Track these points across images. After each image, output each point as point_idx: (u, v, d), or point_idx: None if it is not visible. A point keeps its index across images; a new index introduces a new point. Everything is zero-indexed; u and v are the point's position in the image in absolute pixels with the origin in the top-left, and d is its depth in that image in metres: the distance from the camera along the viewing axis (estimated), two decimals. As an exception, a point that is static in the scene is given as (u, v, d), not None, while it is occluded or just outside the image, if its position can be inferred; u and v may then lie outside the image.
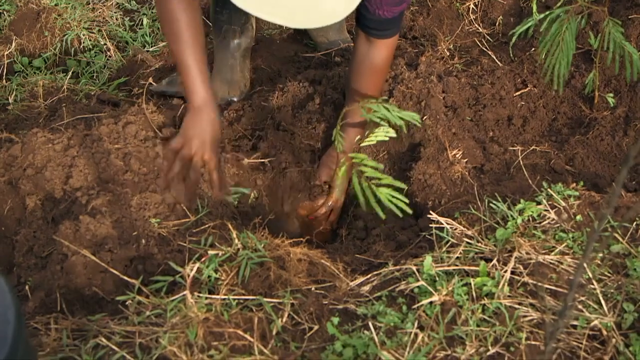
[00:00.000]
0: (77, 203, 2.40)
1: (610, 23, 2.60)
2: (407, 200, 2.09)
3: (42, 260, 2.32)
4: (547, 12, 2.64)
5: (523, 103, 2.91)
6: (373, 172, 2.11)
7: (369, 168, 2.11)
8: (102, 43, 3.80)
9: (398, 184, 2.10)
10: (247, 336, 1.83)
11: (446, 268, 1.99)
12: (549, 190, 2.24)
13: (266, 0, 1.88)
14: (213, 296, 1.95)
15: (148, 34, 3.88)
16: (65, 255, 2.20)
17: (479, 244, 2.08)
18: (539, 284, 1.92)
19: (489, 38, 3.38)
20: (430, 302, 1.89)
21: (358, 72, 2.60)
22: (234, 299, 1.95)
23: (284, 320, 1.90)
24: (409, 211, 2.08)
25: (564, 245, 2.04)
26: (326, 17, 1.96)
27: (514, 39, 2.86)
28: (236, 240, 2.12)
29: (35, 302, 2.14)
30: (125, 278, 2.10)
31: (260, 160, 2.73)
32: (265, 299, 1.95)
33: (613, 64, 2.68)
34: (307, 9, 1.93)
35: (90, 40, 3.81)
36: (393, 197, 2.08)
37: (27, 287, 2.20)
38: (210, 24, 3.36)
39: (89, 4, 4.10)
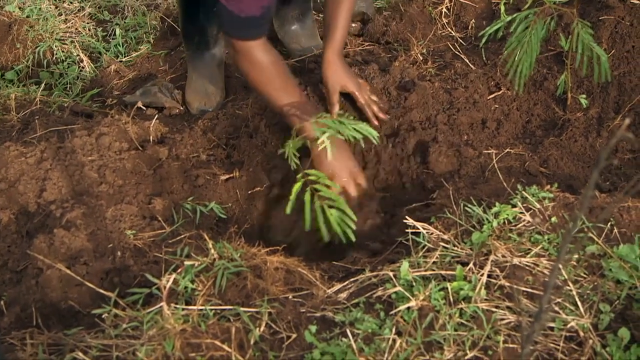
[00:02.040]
0: (52, 216, 2.38)
1: (580, 25, 2.62)
2: (354, 227, 2.13)
3: (17, 275, 2.30)
4: (516, 14, 2.65)
5: (497, 106, 2.92)
6: (328, 192, 2.11)
7: (324, 188, 2.11)
8: (75, 54, 3.78)
9: (349, 211, 2.11)
10: (225, 346, 1.82)
11: (423, 273, 2.00)
12: (523, 192, 2.25)
13: None
14: (190, 307, 1.94)
15: (121, 44, 3.87)
16: (40, 270, 2.19)
17: (455, 248, 2.08)
18: (515, 286, 1.93)
19: (462, 42, 3.39)
20: (408, 308, 1.89)
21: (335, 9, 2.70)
22: (211, 310, 1.94)
23: (262, 329, 1.89)
24: (353, 239, 2.12)
25: (539, 247, 2.05)
26: None
27: (483, 41, 2.88)
28: (212, 250, 2.11)
29: (11, 318, 2.12)
30: (101, 291, 2.08)
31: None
32: (243, 309, 1.94)
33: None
34: None
35: (62, 51, 3.79)
36: (342, 221, 2.11)
37: (2, 302, 2.18)
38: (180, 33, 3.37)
39: (61, 15, 4.08)
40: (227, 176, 2.73)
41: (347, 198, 2.48)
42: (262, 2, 2.34)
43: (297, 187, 2.10)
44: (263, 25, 2.42)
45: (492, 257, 2.00)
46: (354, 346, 1.80)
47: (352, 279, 2.08)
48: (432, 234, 2.16)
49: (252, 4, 2.32)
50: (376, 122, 2.75)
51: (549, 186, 2.28)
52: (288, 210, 2.09)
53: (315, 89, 2.91)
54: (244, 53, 2.44)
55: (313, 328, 1.87)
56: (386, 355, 1.78)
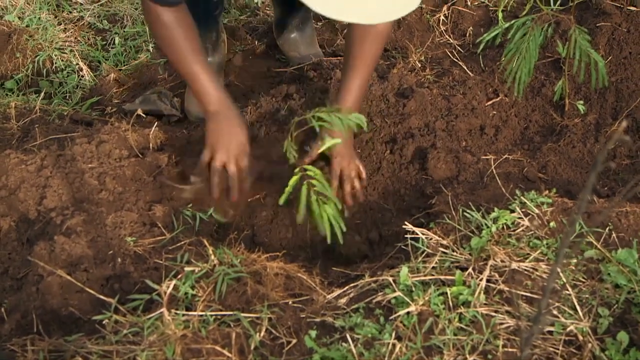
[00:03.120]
0: (52, 223, 2.39)
1: (577, 31, 2.63)
2: (345, 229, 2.17)
3: (18, 282, 2.30)
4: (514, 21, 2.67)
5: (495, 112, 2.93)
6: (322, 188, 2.12)
7: (319, 183, 2.13)
8: (75, 63, 3.78)
9: (340, 208, 2.15)
10: (225, 352, 1.83)
11: (422, 278, 2.00)
12: (522, 198, 2.26)
13: (343, 3, 1.82)
14: (190, 313, 1.94)
15: (120, 53, 3.88)
16: (40, 276, 2.19)
17: (455, 253, 2.09)
18: (514, 291, 1.94)
19: (460, 49, 3.40)
20: (408, 313, 1.90)
21: (362, 39, 2.53)
22: (212, 315, 1.94)
23: (262, 335, 1.90)
24: (341, 241, 2.17)
25: (538, 252, 2.06)
26: (403, 7, 1.92)
27: (481, 47, 2.89)
28: (212, 256, 2.12)
29: (12, 324, 2.13)
30: (102, 297, 2.09)
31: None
32: (243, 314, 1.95)
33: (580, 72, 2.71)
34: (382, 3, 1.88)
35: (62, 60, 3.80)
36: (335, 220, 2.14)
37: (2, 310, 2.18)
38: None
39: (61, 24, 4.09)
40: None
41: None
42: None
43: (294, 179, 2.15)
44: None
45: (491, 262, 2.01)
46: (354, 351, 1.80)
47: (351, 285, 2.08)
48: (431, 239, 2.16)
49: None
50: (347, 188, 2.65)
51: (547, 191, 2.29)
52: (281, 201, 2.16)
53: (314, 97, 2.92)
54: (153, 14, 2.37)
55: (313, 333, 1.88)
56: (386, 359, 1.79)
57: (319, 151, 2.52)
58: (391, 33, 2.71)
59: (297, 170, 2.14)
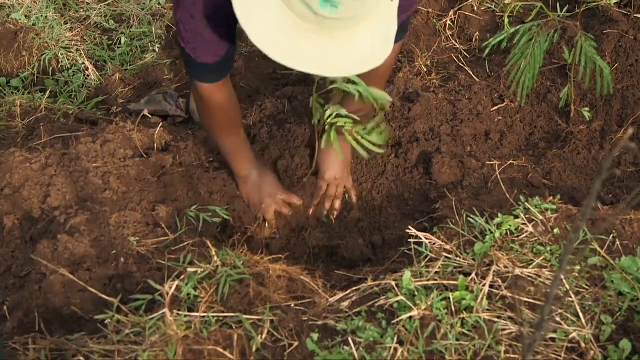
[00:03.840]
0: (56, 222, 2.39)
1: (583, 38, 2.63)
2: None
3: (21, 280, 2.31)
4: (520, 26, 2.66)
5: (500, 118, 2.93)
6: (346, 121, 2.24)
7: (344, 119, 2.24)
8: (80, 62, 3.79)
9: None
10: (227, 353, 1.83)
11: (425, 283, 2.00)
12: (526, 204, 2.26)
13: (301, 55, 1.87)
14: (192, 314, 1.94)
15: (126, 53, 3.88)
16: (43, 275, 2.19)
17: (458, 259, 2.08)
18: (517, 297, 1.93)
19: (466, 54, 3.40)
20: (410, 317, 1.89)
21: (362, 78, 2.56)
22: (214, 317, 1.94)
23: (264, 337, 1.89)
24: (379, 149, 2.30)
25: (541, 258, 2.05)
26: (364, 64, 1.96)
27: (487, 52, 2.89)
28: (215, 258, 2.12)
29: (14, 323, 2.13)
30: (104, 297, 2.09)
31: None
32: (245, 316, 1.94)
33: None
34: (343, 59, 1.92)
35: (68, 59, 3.80)
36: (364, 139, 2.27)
37: (5, 308, 2.19)
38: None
39: (67, 23, 4.10)
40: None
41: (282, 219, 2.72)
42: (218, 52, 2.29)
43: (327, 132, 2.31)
44: (218, 72, 2.40)
45: (494, 268, 2.01)
46: (356, 355, 1.80)
47: (354, 288, 2.08)
48: (434, 244, 2.16)
49: (207, 52, 2.28)
50: (326, 205, 2.74)
51: (551, 198, 2.29)
52: (323, 145, 2.38)
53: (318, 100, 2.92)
54: (200, 93, 2.44)
55: (315, 336, 1.87)
56: (388, 363, 1.78)
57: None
58: (390, 73, 2.72)
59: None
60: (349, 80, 2.23)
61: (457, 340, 1.83)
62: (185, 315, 1.93)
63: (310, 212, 2.71)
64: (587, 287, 1.97)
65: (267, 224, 2.70)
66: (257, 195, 2.70)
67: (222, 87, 2.45)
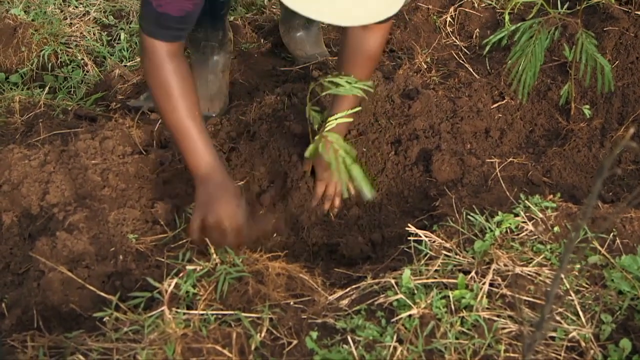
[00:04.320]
0: (54, 219, 2.38)
1: (584, 35, 2.62)
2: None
3: (19, 277, 2.30)
4: (520, 24, 2.66)
5: (500, 115, 2.92)
6: (345, 153, 2.12)
7: (342, 148, 2.12)
8: (80, 58, 3.79)
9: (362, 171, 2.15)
10: (226, 352, 1.82)
11: (425, 281, 1.99)
12: (526, 202, 2.25)
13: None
14: (191, 312, 1.94)
15: (126, 49, 3.87)
16: (42, 272, 2.19)
17: (458, 257, 2.08)
18: (517, 296, 1.93)
19: (466, 51, 3.39)
20: (409, 316, 1.89)
21: (352, 59, 2.52)
22: (212, 314, 1.94)
23: (263, 335, 1.89)
24: (371, 196, 2.12)
25: (541, 256, 2.05)
26: (374, 14, 1.93)
27: (487, 49, 2.89)
28: (214, 255, 2.11)
29: (12, 320, 2.12)
30: (103, 294, 2.08)
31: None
32: (244, 314, 1.94)
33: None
34: (355, 5, 1.89)
35: (67, 55, 3.80)
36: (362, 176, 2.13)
37: (3, 305, 2.18)
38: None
39: (66, 19, 4.10)
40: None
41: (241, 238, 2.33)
42: (185, 6, 2.16)
43: (315, 145, 2.14)
44: (178, 29, 2.23)
45: (494, 266, 2.00)
46: (355, 353, 1.80)
47: (353, 286, 2.07)
48: (434, 242, 2.15)
49: (173, 1, 2.14)
50: (325, 206, 2.68)
51: (551, 196, 2.28)
52: (307, 154, 2.17)
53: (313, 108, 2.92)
54: (151, 52, 2.24)
55: (314, 334, 1.87)
56: (387, 362, 1.78)
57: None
58: (381, 57, 2.70)
59: (317, 137, 2.14)
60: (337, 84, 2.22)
61: (457, 339, 1.82)
62: (184, 313, 1.93)
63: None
64: (587, 286, 1.97)
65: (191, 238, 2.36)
66: (206, 212, 2.28)
67: (177, 51, 2.27)
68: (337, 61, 2.68)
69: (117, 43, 3.94)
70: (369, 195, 2.08)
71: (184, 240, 2.31)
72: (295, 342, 1.87)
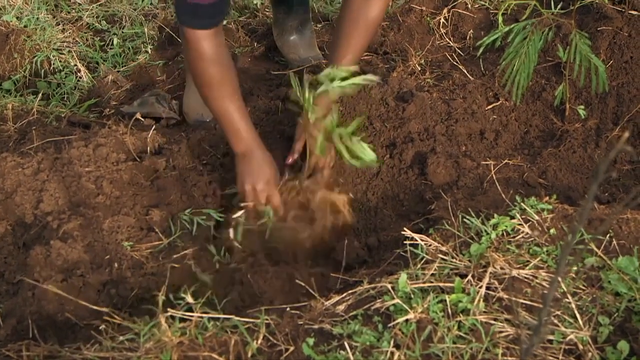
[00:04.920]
0: (48, 228, 2.37)
1: (578, 35, 2.62)
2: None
3: (14, 287, 2.29)
4: (514, 25, 2.65)
5: (495, 117, 2.92)
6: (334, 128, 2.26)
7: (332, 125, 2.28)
8: (73, 64, 3.77)
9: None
10: (222, 359, 1.81)
11: (421, 285, 1.99)
12: (522, 204, 2.24)
13: None
14: (187, 314, 1.93)
15: (119, 54, 3.86)
16: (36, 281, 2.18)
17: (454, 260, 2.07)
18: (514, 299, 1.92)
19: (460, 52, 3.38)
20: (406, 320, 1.88)
21: (352, 28, 2.53)
22: (209, 320, 1.93)
23: (260, 341, 1.88)
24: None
25: (538, 259, 2.04)
26: None
27: (480, 50, 2.88)
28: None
29: (7, 330, 2.11)
30: (96, 308, 2.07)
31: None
32: (240, 320, 1.93)
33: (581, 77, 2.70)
34: None
35: (60, 61, 3.79)
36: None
37: (-3, 314, 2.18)
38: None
39: (59, 24, 4.08)
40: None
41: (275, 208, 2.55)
42: None
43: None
44: (212, 15, 2.31)
45: (490, 269, 1.99)
46: (352, 359, 1.79)
47: (350, 291, 2.07)
48: (430, 245, 2.15)
49: None
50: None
51: (547, 197, 2.28)
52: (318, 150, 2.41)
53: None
54: (191, 42, 2.34)
55: (311, 340, 1.86)
56: (384, 368, 1.77)
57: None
58: (381, 24, 2.69)
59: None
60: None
61: (454, 343, 1.82)
62: (180, 321, 1.92)
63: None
64: (584, 288, 1.96)
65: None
66: (252, 179, 2.53)
67: (214, 36, 2.36)
68: (335, 30, 2.68)
69: (110, 48, 3.93)
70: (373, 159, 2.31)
71: (180, 247, 2.30)
72: (292, 348, 1.86)
